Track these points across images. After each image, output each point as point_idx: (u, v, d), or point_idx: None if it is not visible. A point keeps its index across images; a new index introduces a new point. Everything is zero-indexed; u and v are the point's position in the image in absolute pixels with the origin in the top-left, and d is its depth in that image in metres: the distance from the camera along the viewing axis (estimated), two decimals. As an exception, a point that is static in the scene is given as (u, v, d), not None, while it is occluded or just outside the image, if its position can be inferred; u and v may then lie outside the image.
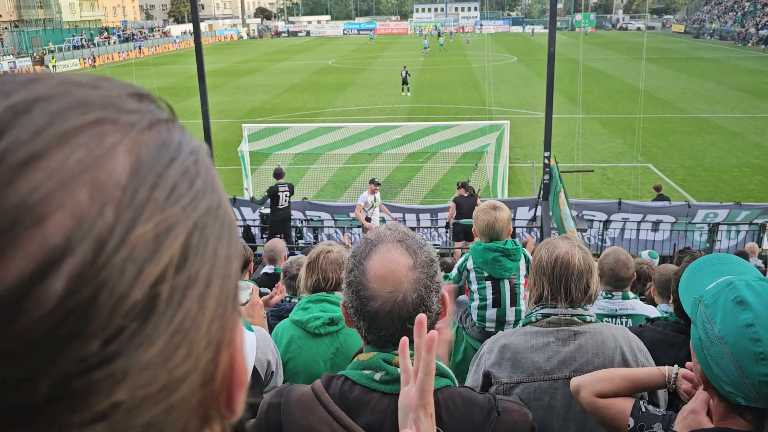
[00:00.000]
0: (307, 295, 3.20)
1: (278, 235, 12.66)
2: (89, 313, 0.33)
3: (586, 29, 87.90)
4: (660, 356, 2.55)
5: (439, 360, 1.53)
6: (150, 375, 0.37)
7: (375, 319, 1.49)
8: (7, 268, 0.32)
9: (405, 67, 35.85)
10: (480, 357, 2.56)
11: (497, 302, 4.09)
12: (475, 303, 4.15)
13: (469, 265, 4.15)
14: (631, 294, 4.04)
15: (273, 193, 12.91)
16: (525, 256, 4.20)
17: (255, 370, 2.35)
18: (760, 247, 12.18)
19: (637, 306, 4.01)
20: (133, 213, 0.36)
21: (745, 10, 77.58)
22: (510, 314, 4.08)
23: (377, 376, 1.52)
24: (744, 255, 9.54)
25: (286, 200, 12.98)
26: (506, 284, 4.09)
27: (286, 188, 12.99)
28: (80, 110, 0.38)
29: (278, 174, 13.13)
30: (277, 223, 13.13)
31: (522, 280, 4.16)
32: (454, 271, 4.30)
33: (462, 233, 12.49)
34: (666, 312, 3.59)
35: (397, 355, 1.45)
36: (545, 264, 2.47)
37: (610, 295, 3.96)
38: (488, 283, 4.11)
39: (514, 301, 4.07)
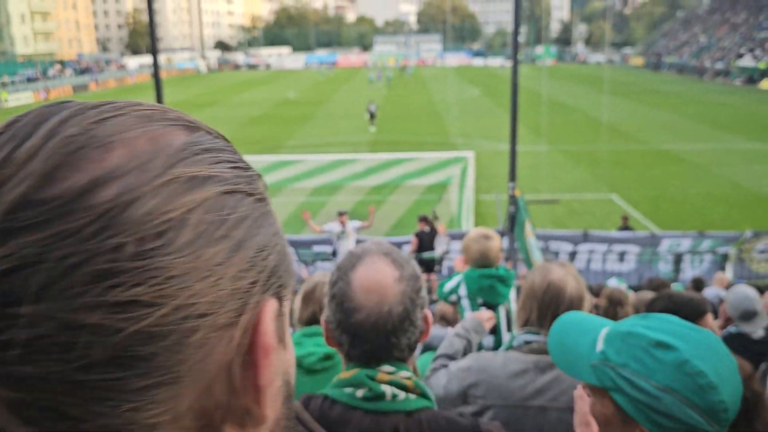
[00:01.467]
0: (300, 329, 2.99)
1: None
2: (125, 218, 0.42)
3: (545, 62, 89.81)
4: None
5: (419, 380, 1.51)
6: (179, 282, 0.43)
7: (359, 331, 1.47)
8: (76, 176, 0.42)
9: (372, 101, 35.67)
10: (459, 369, 2.51)
11: (493, 329, 3.97)
12: None
13: (462, 292, 4.07)
14: None
15: None
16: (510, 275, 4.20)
17: None
18: (723, 272, 12.24)
19: None
20: (177, 161, 0.46)
21: (701, 44, 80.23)
22: (507, 341, 3.92)
23: (359, 393, 1.47)
24: (700, 282, 9.48)
25: None
26: (501, 310, 4.02)
27: None
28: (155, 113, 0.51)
29: None
30: None
31: (513, 306, 4.08)
32: (445, 289, 4.19)
33: (424, 266, 12.29)
34: None
35: (381, 371, 1.47)
36: (537, 288, 2.44)
37: None
38: (484, 311, 3.98)
39: (510, 328, 4.04)
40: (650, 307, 2.94)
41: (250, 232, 0.50)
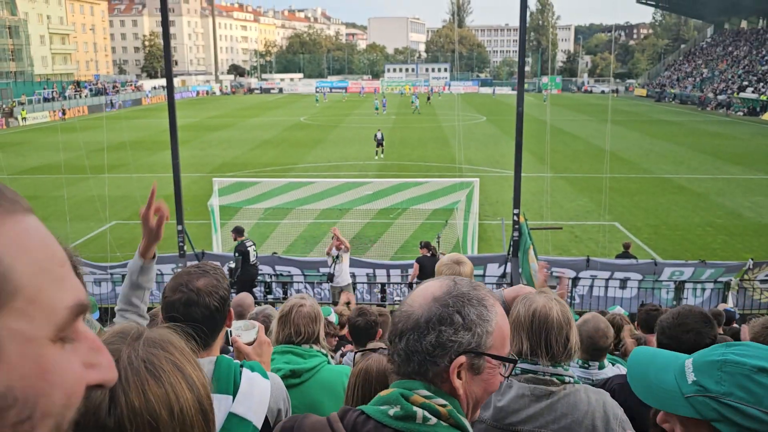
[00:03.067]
0: (275, 346, 3.15)
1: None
2: None
3: (550, 91, 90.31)
4: (625, 403, 2.54)
5: (456, 413, 1.46)
6: None
7: (403, 330, 1.48)
8: None
9: (379, 129, 35.91)
10: None
11: None
12: None
13: None
14: (607, 363, 3.99)
15: (243, 251, 12.80)
16: None
17: (266, 419, 2.31)
18: (726, 303, 12.35)
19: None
20: None
21: (703, 76, 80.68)
22: None
23: (391, 411, 1.45)
24: (719, 315, 9.60)
25: (255, 255, 12.90)
26: None
27: (252, 243, 12.92)
28: None
29: (240, 231, 13.06)
30: (247, 282, 12.95)
31: None
32: None
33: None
34: None
35: (417, 392, 1.45)
36: (523, 318, 2.42)
37: (586, 365, 3.90)
38: None
39: None
40: (661, 337, 3.02)
41: None
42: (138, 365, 0.99)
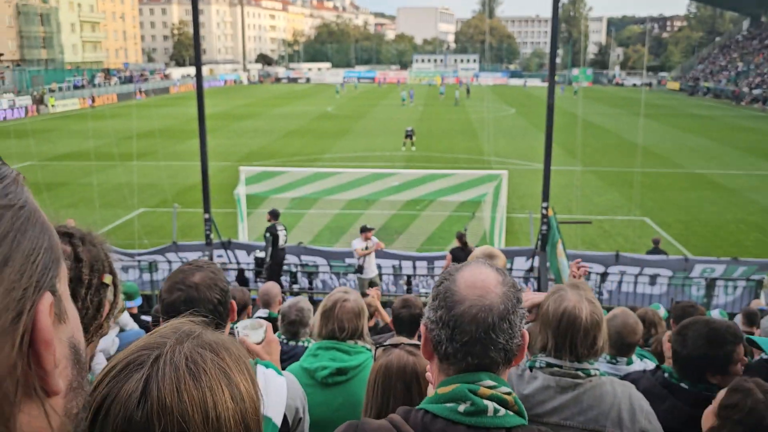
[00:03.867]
0: (318, 342, 3.10)
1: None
2: None
3: (581, 84, 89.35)
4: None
5: (517, 397, 1.52)
6: None
7: (460, 322, 1.48)
8: None
9: (410, 126, 35.29)
10: None
11: None
12: None
13: None
14: (635, 358, 3.92)
15: (274, 233, 12.84)
16: None
17: (284, 416, 2.25)
18: (759, 299, 12.09)
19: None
20: None
21: (739, 69, 79.14)
22: None
23: (461, 407, 1.45)
24: (754, 315, 9.38)
25: (284, 240, 12.92)
26: None
27: (284, 228, 12.94)
28: None
29: (276, 215, 13.10)
30: (276, 266, 13.00)
31: None
32: None
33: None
34: None
35: (482, 385, 1.47)
36: (551, 317, 2.40)
37: (614, 360, 3.85)
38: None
39: None
40: (684, 330, 2.97)
41: (15, 244, 0.55)
42: (179, 361, 0.96)
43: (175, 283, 2.28)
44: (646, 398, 2.55)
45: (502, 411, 1.46)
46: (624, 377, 3.11)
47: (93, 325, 1.48)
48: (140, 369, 0.95)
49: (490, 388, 1.47)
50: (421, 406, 1.53)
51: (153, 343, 1.00)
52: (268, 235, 12.89)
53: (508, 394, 1.49)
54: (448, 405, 1.47)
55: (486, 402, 1.45)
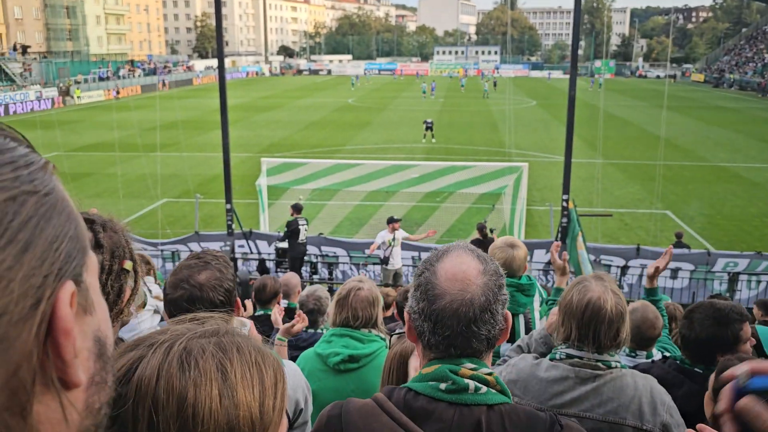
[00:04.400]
0: (333, 329, 3.13)
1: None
2: None
3: (603, 76, 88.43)
4: None
5: (499, 377, 1.55)
6: None
7: (441, 317, 1.49)
8: None
9: (430, 118, 35.18)
10: (506, 364, 2.59)
11: (511, 338, 3.96)
12: None
13: None
14: (655, 351, 3.91)
15: (294, 229, 12.93)
16: (539, 291, 4.16)
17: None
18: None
19: None
20: None
21: (765, 61, 77.82)
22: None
23: (443, 386, 1.49)
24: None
25: (305, 235, 13.03)
26: (521, 319, 4.02)
27: (305, 222, 13.04)
28: None
29: (298, 209, 13.20)
30: (296, 259, 13.13)
31: (536, 315, 4.10)
32: None
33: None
34: None
35: (464, 367, 1.50)
36: (575, 307, 2.38)
37: (633, 353, 3.84)
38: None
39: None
40: (690, 315, 2.99)
41: (38, 230, 0.54)
42: (176, 349, 0.95)
43: (180, 280, 2.27)
44: (663, 387, 2.52)
45: (484, 389, 1.49)
46: (636, 367, 3.10)
47: (113, 310, 1.50)
48: (139, 348, 0.97)
49: (471, 369, 1.50)
50: (405, 385, 1.57)
51: (173, 329, 1.01)
52: (286, 230, 13.08)
53: (489, 374, 1.52)
54: (430, 383, 1.51)
55: (467, 381, 1.48)
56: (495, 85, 70.23)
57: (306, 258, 14.06)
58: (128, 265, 1.56)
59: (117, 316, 1.52)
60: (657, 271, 4.10)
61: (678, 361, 2.97)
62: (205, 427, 0.90)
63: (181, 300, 2.21)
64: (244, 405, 0.93)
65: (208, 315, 1.10)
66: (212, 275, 2.29)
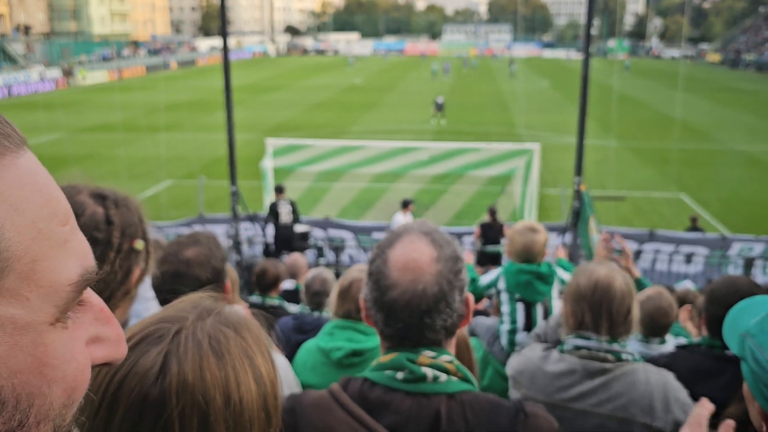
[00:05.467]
0: (335, 320, 3.02)
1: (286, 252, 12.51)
2: None
3: (617, 56, 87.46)
4: (696, 386, 2.40)
5: (460, 364, 1.50)
6: None
7: (393, 309, 1.44)
8: None
9: (440, 95, 34.69)
10: (515, 354, 2.56)
11: (528, 326, 3.94)
12: (506, 326, 4.06)
13: (501, 285, 4.02)
14: (668, 337, 3.77)
15: (274, 210, 12.78)
16: (560, 279, 4.06)
17: None
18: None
19: None
20: None
21: (782, 41, 76.76)
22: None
23: (399, 375, 1.45)
24: None
25: (289, 216, 12.69)
26: (539, 308, 3.95)
27: (288, 204, 12.72)
28: None
29: (278, 189, 12.98)
30: (282, 241, 12.83)
31: (555, 303, 4.01)
32: (482, 283, 4.15)
33: (488, 260, 12.14)
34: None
35: (422, 355, 1.45)
36: (584, 289, 2.33)
37: (646, 340, 3.70)
38: (520, 306, 3.98)
39: None
40: (713, 295, 2.77)
41: None
42: (202, 338, 0.90)
43: (168, 254, 2.22)
44: (702, 378, 2.52)
45: (444, 377, 1.44)
46: (654, 359, 2.91)
47: (120, 290, 1.47)
48: (159, 343, 0.90)
49: (430, 357, 1.45)
50: (362, 374, 1.52)
51: (172, 316, 0.94)
52: (269, 213, 12.88)
53: (449, 362, 1.46)
54: (387, 372, 1.46)
55: (424, 369, 1.43)
56: (511, 63, 67.85)
57: (312, 241, 13.78)
58: (139, 244, 1.51)
59: (123, 296, 1.49)
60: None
61: (708, 346, 2.74)
62: (249, 412, 0.90)
63: (167, 275, 2.15)
64: (269, 380, 0.95)
65: (197, 295, 1.04)
66: (201, 252, 2.25)
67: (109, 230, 1.44)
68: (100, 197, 1.50)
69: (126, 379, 0.87)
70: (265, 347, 0.97)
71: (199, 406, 0.86)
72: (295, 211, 12.81)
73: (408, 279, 1.43)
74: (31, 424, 0.49)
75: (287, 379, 2.48)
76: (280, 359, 2.51)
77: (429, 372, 1.43)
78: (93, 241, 1.27)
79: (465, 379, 1.48)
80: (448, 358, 1.47)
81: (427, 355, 1.45)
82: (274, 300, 5.09)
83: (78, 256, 0.52)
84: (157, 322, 0.93)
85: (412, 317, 1.43)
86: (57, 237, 0.50)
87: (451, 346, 1.52)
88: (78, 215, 1.37)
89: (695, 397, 2.25)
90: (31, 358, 0.49)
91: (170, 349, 0.89)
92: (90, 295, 0.57)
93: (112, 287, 1.46)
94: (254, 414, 0.90)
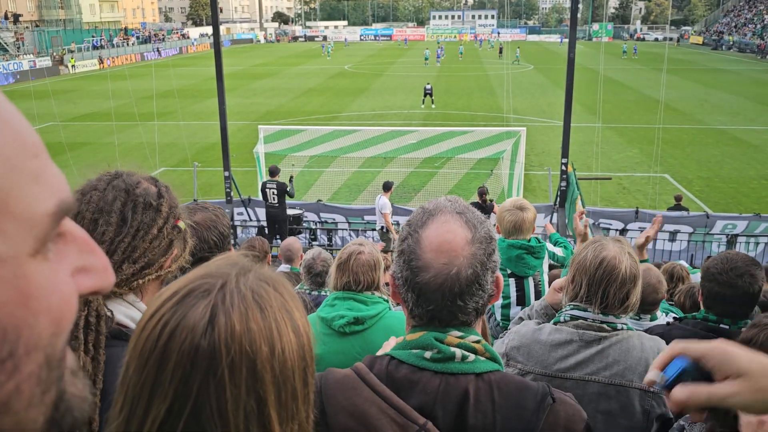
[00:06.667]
0: (335, 292, 3.13)
1: (277, 234, 12.82)
2: None
3: (602, 39, 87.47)
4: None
5: (488, 344, 1.49)
6: None
7: (425, 291, 1.41)
8: None
9: (429, 83, 34.70)
10: (508, 331, 2.52)
11: (521, 300, 3.97)
12: (499, 302, 3.99)
13: None
14: (660, 313, 3.90)
15: (262, 190, 13.06)
16: (549, 252, 4.14)
17: None
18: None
19: None
20: None
21: (765, 22, 77.06)
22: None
23: (427, 354, 1.42)
24: None
25: (274, 198, 12.92)
26: (530, 282, 3.99)
27: (274, 186, 12.94)
28: None
29: (272, 172, 13.18)
30: (270, 220, 13.19)
31: (545, 278, 4.08)
32: None
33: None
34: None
35: (450, 335, 1.42)
36: (589, 264, 2.31)
37: (637, 317, 3.82)
38: (512, 281, 3.99)
39: (537, 299, 3.94)
40: (709, 271, 2.91)
41: None
42: (246, 292, 0.94)
43: None
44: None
45: (472, 357, 1.42)
46: (648, 331, 3.06)
47: (158, 261, 1.53)
48: (206, 296, 0.92)
49: (458, 337, 1.43)
50: (389, 352, 1.49)
51: (215, 272, 0.96)
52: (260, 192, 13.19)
53: (477, 342, 1.44)
54: (414, 351, 1.44)
55: (453, 349, 1.41)
56: (501, 51, 66.03)
57: (305, 224, 14.07)
58: (182, 224, 1.59)
59: (158, 269, 1.54)
60: (647, 240, 4.07)
61: (702, 319, 2.89)
62: (291, 361, 0.93)
63: None
64: (305, 332, 0.98)
65: (234, 253, 1.08)
66: (208, 216, 2.34)
67: (160, 201, 1.55)
68: (153, 179, 1.61)
69: (176, 331, 0.89)
70: (299, 303, 1.00)
71: (248, 356, 0.89)
72: (281, 192, 12.99)
73: (441, 261, 1.40)
74: (20, 354, 0.51)
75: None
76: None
77: (458, 351, 1.41)
78: (146, 205, 1.53)
79: (493, 359, 1.46)
80: (475, 338, 1.45)
81: (454, 334, 1.43)
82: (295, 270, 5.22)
83: (53, 188, 0.52)
84: (202, 277, 0.96)
85: (444, 300, 1.41)
86: (29, 170, 0.50)
87: (479, 325, 1.51)
88: (133, 188, 1.55)
89: None
90: (14, 291, 0.50)
91: (216, 302, 0.91)
92: (73, 227, 0.58)
93: (155, 254, 1.53)
94: (295, 363, 0.94)
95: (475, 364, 1.42)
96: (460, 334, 1.44)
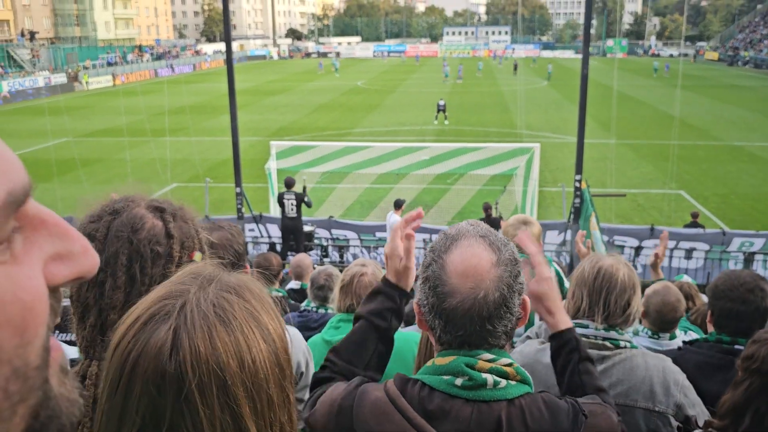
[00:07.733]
0: (339, 314, 3.10)
1: (292, 244, 12.94)
2: None
3: (616, 55, 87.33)
4: (705, 380, 2.43)
5: (519, 366, 1.48)
6: None
7: (453, 317, 1.40)
8: None
9: (442, 99, 34.55)
10: (511, 351, 2.52)
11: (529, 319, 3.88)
12: None
13: None
14: (678, 332, 3.82)
15: (279, 201, 13.09)
16: (555, 270, 4.07)
17: None
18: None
19: None
20: None
21: (781, 38, 76.71)
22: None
23: (458, 381, 1.41)
24: None
25: (292, 209, 12.95)
26: None
27: (293, 196, 12.96)
28: None
29: (287, 184, 13.21)
30: (286, 232, 13.23)
31: None
32: None
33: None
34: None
35: (481, 359, 1.42)
36: (587, 275, 2.33)
37: (656, 336, 3.74)
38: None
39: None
40: (717, 290, 2.86)
41: None
42: (207, 309, 0.92)
43: None
44: (711, 373, 2.52)
45: (503, 382, 1.41)
46: (665, 353, 3.01)
47: None
48: (167, 320, 0.91)
49: (489, 361, 1.42)
50: (419, 376, 1.48)
51: (175, 291, 0.95)
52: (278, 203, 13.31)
53: (509, 365, 1.44)
54: (445, 378, 1.43)
55: (485, 375, 1.40)
56: (516, 68, 65.67)
57: (317, 241, 13.99)
58: (197, 257, 1.51)
59: None
60: (657, 259, 3.99)
61: (715, 342, 2.81)
62: (263, 370, 0.93)
63: None
64: (278, 336, 0.97)
65: (195, 264, 1.06)
66: (224, 236, 2.35)
67: (170, 244, 1.44)
68: (158, 210, 1.48)
69: (140, 358, 0.88)
70: (268, 304, 0.99)
71: (216, 374, 0.88)
72: (299, 203, 13.06)
73: (468, 286, 1.39)
74: None
75: (300, 346, 2.64)
76: (292, 330, 2.66)
77: (489, 378, 1.40)
78: (154, 255, 1.41)
79: (524, 381, 1.45)
80: (507, 360, 1.44)
81: (486, 357, 1.42)
82: (278, 292, 5.17)
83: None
84: (162, 299, 0.94)
85: (473, 324, 1.40)
86: None
87: (508, 347, 1.57)
88: (137, 229, 1.42)
89: (704, 392, 2.32)
90: None
91: (178, 324, 0.90)
92: (39, 210, 0.52)
93: None
94: (268, 371, 0.93)
95: (506, 389, 1.41)
96: (491, 357, 1.43)
